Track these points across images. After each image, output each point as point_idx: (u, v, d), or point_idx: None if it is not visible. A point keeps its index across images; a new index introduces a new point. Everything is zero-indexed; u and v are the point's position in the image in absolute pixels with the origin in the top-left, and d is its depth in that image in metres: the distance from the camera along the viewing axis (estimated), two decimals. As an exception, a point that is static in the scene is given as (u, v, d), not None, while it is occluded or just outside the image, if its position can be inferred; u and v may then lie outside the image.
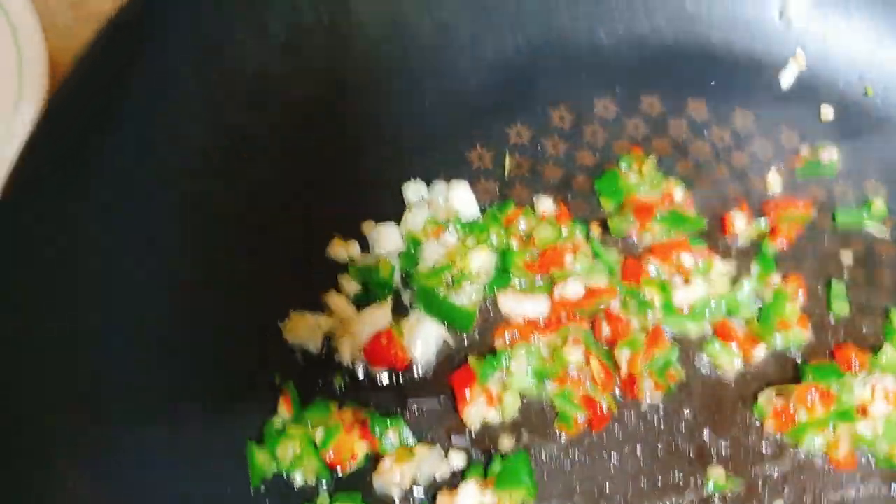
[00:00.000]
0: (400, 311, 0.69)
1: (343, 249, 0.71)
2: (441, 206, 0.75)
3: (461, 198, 0.76)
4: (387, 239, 0.72)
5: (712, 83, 0.85)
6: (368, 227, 0.73)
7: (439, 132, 0.79)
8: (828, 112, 0.85)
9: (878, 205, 0.79)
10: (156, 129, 0.61)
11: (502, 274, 0.72)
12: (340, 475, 0.64)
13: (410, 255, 0.72)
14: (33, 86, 0.78)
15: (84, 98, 0.55)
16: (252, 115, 0.70)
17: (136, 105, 0.59)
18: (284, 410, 0.64)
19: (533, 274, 0.72)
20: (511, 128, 0.80)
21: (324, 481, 0.63)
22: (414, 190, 0.76)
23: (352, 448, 0.63)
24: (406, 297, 0.71)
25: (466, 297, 0.71)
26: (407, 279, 0.71)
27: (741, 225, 0.76)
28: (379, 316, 0.67)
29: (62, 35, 0.91)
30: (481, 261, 0.71)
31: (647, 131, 0.82)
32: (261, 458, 0.61)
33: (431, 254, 0.72)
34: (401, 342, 0.66)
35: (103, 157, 0.59)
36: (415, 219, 0.74)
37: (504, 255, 0.72)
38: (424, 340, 0.67)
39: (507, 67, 0.82)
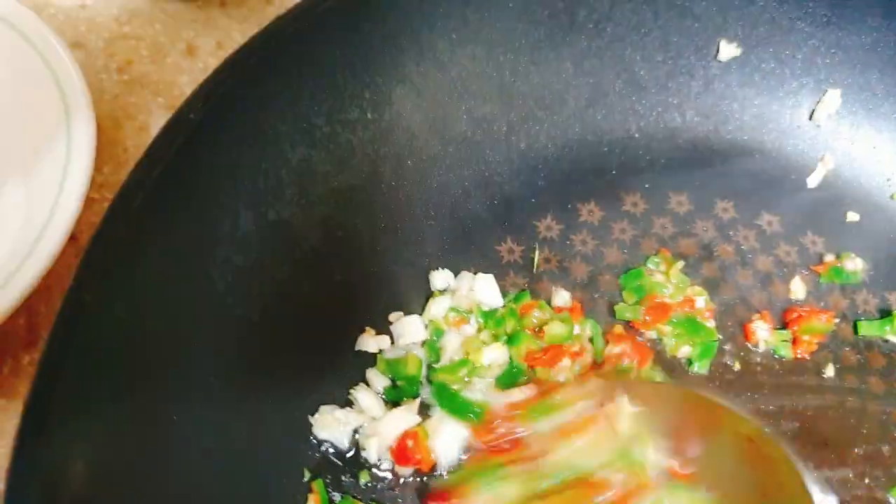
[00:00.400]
0: (424, 410, 0.71)
1: (374, 341, 0.73)
2: (465, 296, 0.76)
3: (486, 290, 0.77)
4: (411, 330, 0.74)
5: (741, 184, 0.87)
6: (395, 318, 0.75)
7: (471, 224, 0.81)
8: (853, 217, 0.86)
9: (901, 315, 0.80)
10: (207, 225, 0.63)
11: (511, 370, 0.73)
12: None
13: (433, 344, 0.74)
14: (82, 153, 0.80)
15: (142, 203, 0.57)
16: (295, 206, 0.71)
17: (190, 206, 0.61)
18: (313, 504, 0.66)
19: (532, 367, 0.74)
20: (541, 221, 0.82)
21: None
22: (441, 278, 0.77)
23: None
24: (425, 393, 0.72)
25: (479, 392, 0.72)
26: (429, 374, 0.73)
27: (763, 335, 0.77)
28: (406, 415, 0.68)
29: (107, 99, 0.94)
30: (494, 355, 0.73)
31: (674, 230, 0.84)
32: None
33: (452, 344, 0.74)
34: (425, 444, 0.67)
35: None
36: (438, 307, 0.75)
37: (511, 339, 0.74)
38: (447, 440, 0.68)
39: (539, 161, 0.84)
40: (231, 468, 0.62)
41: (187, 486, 0.59)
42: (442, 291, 0.77)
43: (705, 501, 0.65)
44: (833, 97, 0.88)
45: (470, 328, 0.75)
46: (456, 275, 0.78)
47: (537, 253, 0.80)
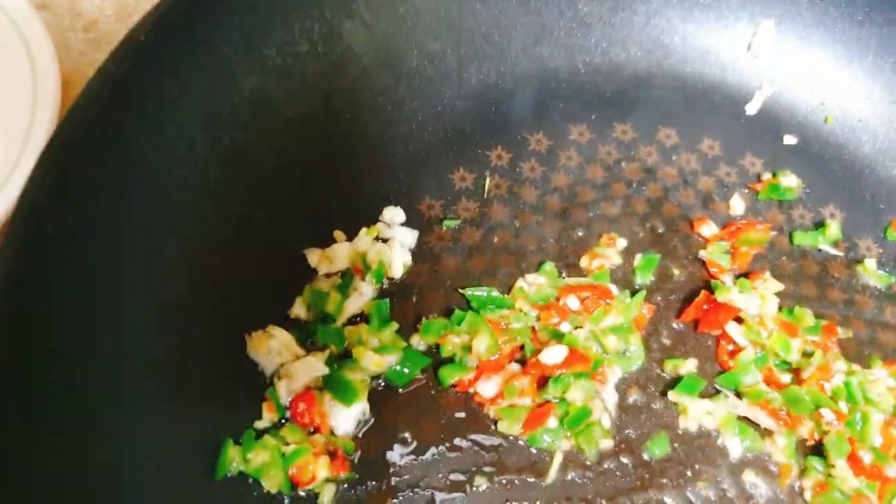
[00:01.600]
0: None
1: (317, 259, 0.76)
2: (386, 230, 0.79)
3: (406, 238, 0.79)
4: (339, 256, 0.76)
5: (683, 113, 0.91)
6: (339, 237, 0.78)
7: (424, 154, 0.84)
8: (790, 140, 0.91)
9: (833, 227, 0.85)
10: (161, 145, 0.66)
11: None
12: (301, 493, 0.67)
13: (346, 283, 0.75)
14: (46, 107, 0.84)
15: (96, 116, 0.60)
16: (249, 132, 0.75)
17: (144, 123, 0.64)
18: (268, 415, 0.69)
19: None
20: (492, 151, 0.86)
21: (284, 496, 0.66)
22: (390, 213, 0.80)
23: (314, 470, 0.66)
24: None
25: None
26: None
27: (708, 232, 0.82)
28: (315, 364, 0.69)
29: (74, 58, 0.97)
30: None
31: (618, 156, 0.88)
32: (232, 455, 0.65)
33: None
34: (320, 408, 0.69)
35: (107, 176, 0.64)
36: (363, 243, 0.77)
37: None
38: (345, 412, 0.69)
39: (490, 96, 0.88)
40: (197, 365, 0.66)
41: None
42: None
43: None
44: (767, 28, 0.93)
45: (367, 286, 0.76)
46: (409, 212, 0.82)
47: (488, 180, 0.84)
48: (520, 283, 0.77)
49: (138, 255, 0.65)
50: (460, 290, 0.77)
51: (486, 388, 0.71)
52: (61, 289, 0.57)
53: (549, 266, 0.79)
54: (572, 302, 0.76)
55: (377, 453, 0.69)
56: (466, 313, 0.74)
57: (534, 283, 0.77)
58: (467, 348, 0.72)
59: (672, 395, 0.73)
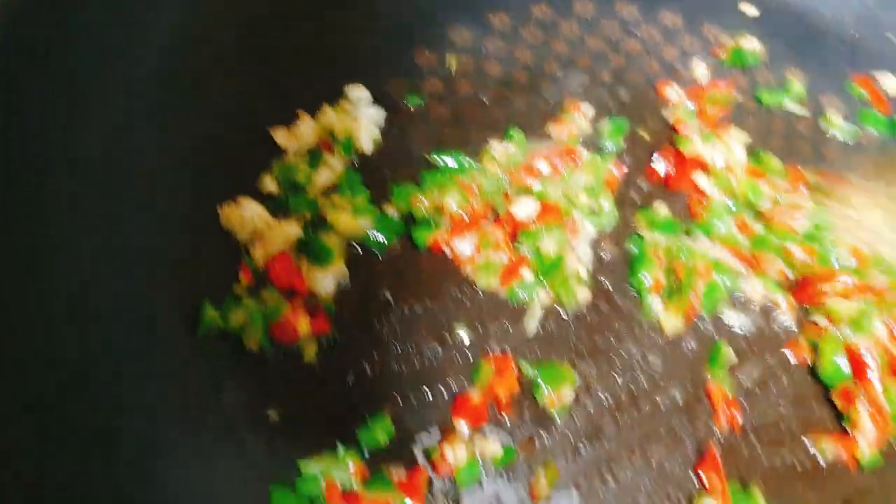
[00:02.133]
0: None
1: (284, 137, 0.76)
2: (351, 109, 0.78)
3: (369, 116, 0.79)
4: (306, 132, 0.76)
5: (641, -14, 0.91)
6: (303, 118, 0.77)
7: (386, 36, 0.84)
8: (750, 9, 0.91)
9: (797, 86, 0.86)
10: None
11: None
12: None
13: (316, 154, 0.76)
14: None
15: None
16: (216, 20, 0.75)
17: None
18: (245, 280, 0.69)
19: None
20: (455, 31, 0.86)
21: (266, 353, 0.67)
22: (355, 91, 0.80)
23: (294, 327, 0.66)
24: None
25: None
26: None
27: (674, 95, 0.83)
28: (287, 229, 0.70)
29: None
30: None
31: (581, 32, 0.88)
32: (211, 314, 0.66)
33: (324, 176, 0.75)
34: (297, 271, 0.69)
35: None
36: (329, 118, 0.77)
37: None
38: (323, 275, 0.70)
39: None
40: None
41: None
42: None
43: None
44: None
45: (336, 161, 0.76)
46: (375, 92, 0.81)
47: (453, 57, 0.84)
48: (489, 148, 0.78)
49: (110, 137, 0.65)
50: (429, 156, 0.77)
51: (462, 245, 0.72)
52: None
53: (517, 132, 0.79)
54: (542, 165, 0.76)
55: (358, 313, 0.70)
56: (436, 173, 0.74)
57: (503, 149, 0.78)
58: (439, 208, 0.73)
59: (647, 234, 0.74)
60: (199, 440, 0.62)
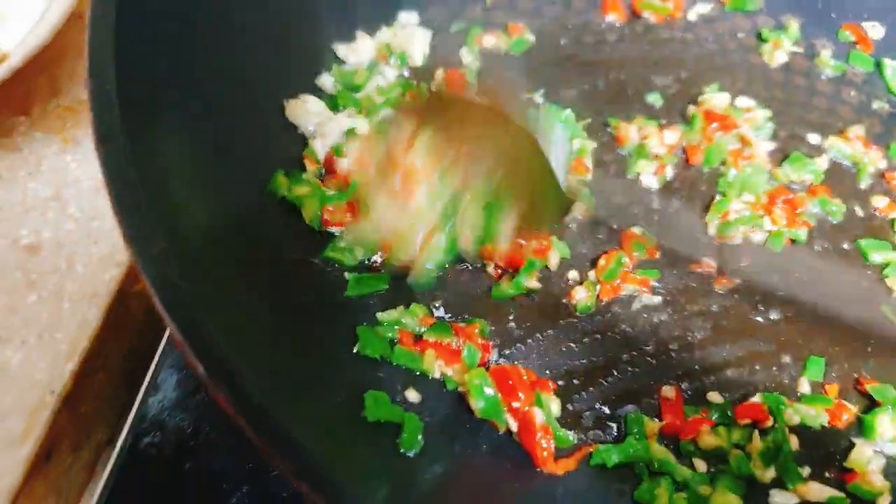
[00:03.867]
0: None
1: (345, 50, 0.86)
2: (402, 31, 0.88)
3: (419, 35, 0.89)
4: (365, 47, 0.87)
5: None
6: (362, 36, 0.87)
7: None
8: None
9: (794, 28, 0.97)
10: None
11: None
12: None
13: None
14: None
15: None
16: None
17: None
18: (310, 167, 0.78)
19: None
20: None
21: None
22: (405, 17, 0.90)
23: (344, 216, 0.75)
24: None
25: None
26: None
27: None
28: (344, 121, 0.79)
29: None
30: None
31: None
32: (281, 181, 0.74)
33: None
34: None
35: None
36: (385, 36, 0.88)
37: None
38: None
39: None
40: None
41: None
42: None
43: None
44: None
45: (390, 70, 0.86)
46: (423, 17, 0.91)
47: (489, -7, 0.95)
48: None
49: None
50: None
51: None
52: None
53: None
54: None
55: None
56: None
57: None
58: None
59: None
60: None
